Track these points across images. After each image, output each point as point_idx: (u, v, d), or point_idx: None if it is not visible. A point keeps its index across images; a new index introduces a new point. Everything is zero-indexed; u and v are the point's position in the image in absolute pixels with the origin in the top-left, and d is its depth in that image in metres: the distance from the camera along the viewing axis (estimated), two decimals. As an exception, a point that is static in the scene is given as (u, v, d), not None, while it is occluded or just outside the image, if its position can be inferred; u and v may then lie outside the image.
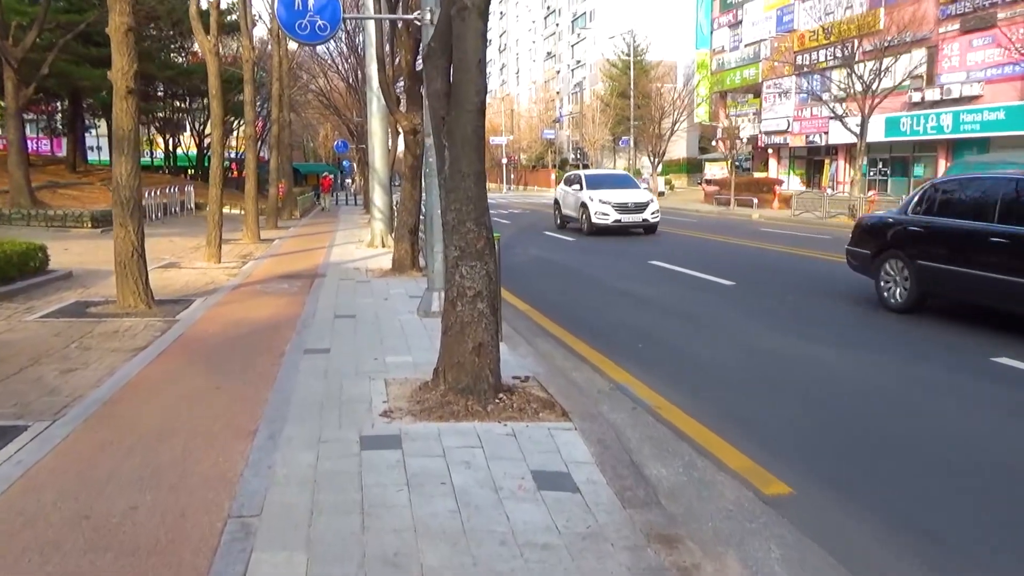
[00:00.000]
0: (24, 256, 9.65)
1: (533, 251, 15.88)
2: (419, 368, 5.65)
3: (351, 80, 29.32)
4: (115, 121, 7.87)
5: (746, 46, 48.14)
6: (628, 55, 57.31)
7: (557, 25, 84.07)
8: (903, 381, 5.99)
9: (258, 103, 34.62)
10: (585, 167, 64.47)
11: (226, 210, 27.04)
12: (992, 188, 7.76)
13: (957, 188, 8.44)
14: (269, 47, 28.18)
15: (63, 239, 15.85)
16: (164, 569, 2.80)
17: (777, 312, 8.87)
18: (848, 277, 10.17)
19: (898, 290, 8.56)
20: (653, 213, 19.08)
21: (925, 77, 32.75)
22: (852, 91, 27.95)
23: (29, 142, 46.57)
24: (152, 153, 52.41)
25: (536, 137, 74.04)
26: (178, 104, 42.54)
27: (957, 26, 31.93)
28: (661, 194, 47.40)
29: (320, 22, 7.28)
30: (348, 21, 24.41)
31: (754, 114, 46.32)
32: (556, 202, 22.47)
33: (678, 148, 59.13)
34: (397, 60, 13.38)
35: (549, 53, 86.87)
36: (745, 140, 42.73)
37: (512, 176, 76.68)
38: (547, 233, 20.52)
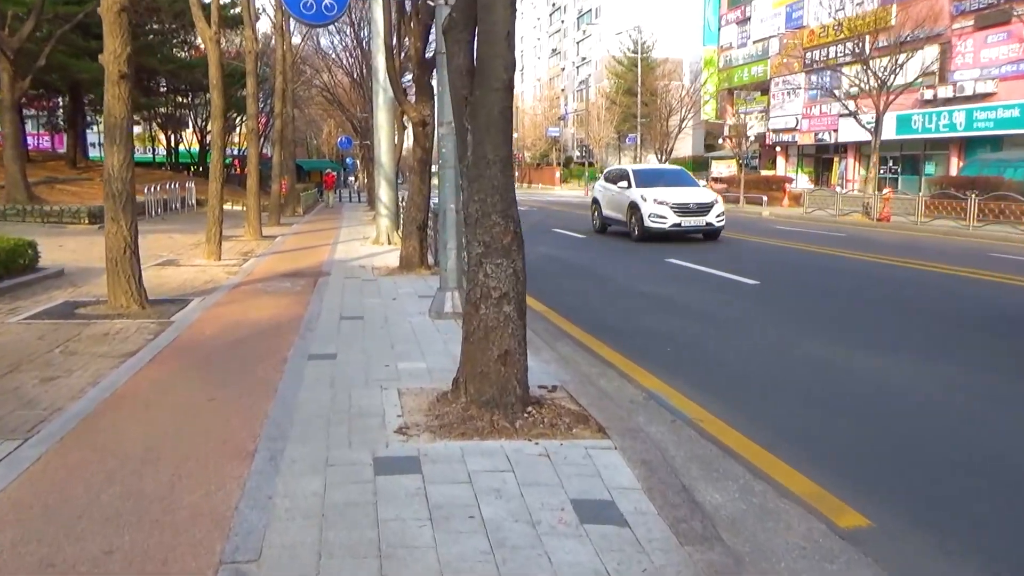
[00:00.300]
0: (12, 253, 9.15)
1: (542, 249, 15.35)
2: (434, 376, 5.14)
3: (355, 75, 28.85)
4: (107, 108, 7.36)
5: (754, 43, 47.56)
6: (634, 52, 56.77)
7: (562, 22, 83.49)
8: (977, 394, 5.47)
9: (261, 98, 34.23)
10: (590, 165, 63.98)
11: (228, 206, 26.59)
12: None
13: None
14: (273, 42, 27.68)
15: (58, 235, 15.37)
16: (140, 633, 2.29)
17: (810, 313, 8.34)
18: (878, 273, 9.67)
19: None
20: (718, 216, 16.04)
21: (938, 74, 32.17)
22: (868, 87, 27.34)
23: (30, 138, 46.25)
24: (154, 149, 51.95)
25: (541, 135, 73.49)
26: (180, 99, 42.03)
27: (971, 22, 31.36)
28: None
29: (327, 0, 6.78)
30: (354, 7, 23.94)
31: (761, 111, 45.73)
32: (594, 202, 19.36)
33: (684, 146, 58.49)
34: (405, 50, 12.87)
35: (554, 50, 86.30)
36: (752, 138, 42.17)
37: (516, 174, 76.11)
38: (556, 230, 20.00)
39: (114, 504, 3.14)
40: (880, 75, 26.70)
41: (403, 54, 12.80)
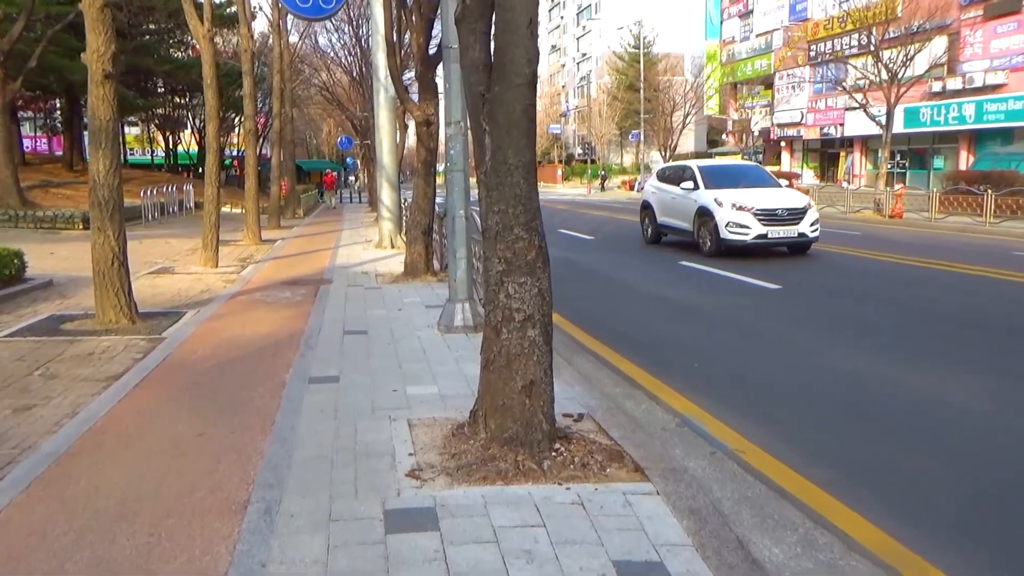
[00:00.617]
0: (-4, 263, 8.70)
1: (550, 251, 14.87)
2: (447, 403, 4.67)
3: (355, 74, 28.36)
4: (91, 110, 6.90)
5: (757, 36, 47.02)
6: (635, 47, 56.24)
7: (562, 18, 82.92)
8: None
9: (259, 98, 33.74)
10: (592, 162, 63.42)
11: (227, 209, 26.16)
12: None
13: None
14: (270, 41, 27.19)
15: (51, 241, 14.91)
16: None
17: (841, 321, 7.86)
18: (903, 276, 9.21)
19: None
20: (812, 225, 12.95)
21: (946, 65, 31.65)
22: (879, 80, 26.80)
23: (28, 140, 45.83)
24: (152, 151, 51.48)
25: (542, 132, 72.93)
26: (178, 100, 41.57)
27: (980, 12, 30.85)
28: (672, 189, 46.37)
29: (324, -8, 6.29)
30: (352, 3, 23.43)
31: (765, 106, 45.22)
32: (645, 207, 16.02)
33: (687, 141, 57.98)
34: (406, 46, 12.39)
35: (554, 46, 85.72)
36: (757, 133, 41.68)
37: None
38: (561, 231, 19.49)
39: (80, 579, 2.67)
40: (891, 67, 26.16)
41: (404, 50, 12.33)
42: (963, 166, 31.70)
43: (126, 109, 35.69)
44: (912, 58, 26.52)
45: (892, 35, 28.11)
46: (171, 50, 36.28)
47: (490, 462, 3.59)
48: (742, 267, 11.60)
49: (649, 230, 15.88)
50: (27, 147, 43.35)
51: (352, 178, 59.01)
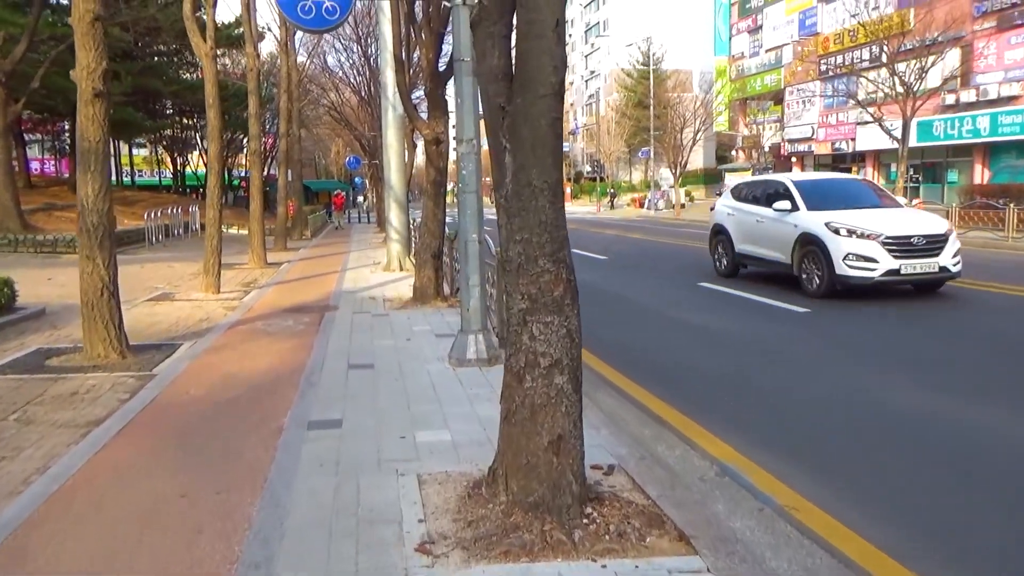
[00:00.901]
0: (-15, 293, 8.29)
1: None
2: (461, 452, 4.18)
3: (363, 93, 28.13)
4: (79, 131, 6.49)
5: (767, 51, 46.75)
6: (644, 64, 56.03)
7: (570, 36, 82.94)
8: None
9: (266, 117, 33.56)
10: (602, 180, 63.10)
11: (234, 231, 25.85)
12: None
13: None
14: (279, 61, 26.99)
15: (51, 266, 14.55)
16: None
17: (882, 348, 7.32)
18: (937, 296, 8.68)
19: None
20: (955, 256, 10.13)
21: (959, 78, 31.19)
22: (895, 93, 26.36)
23: (35, 163, 45.84)
24: (160, 172, 51.47)
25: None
26: (186, 121, 41.50)
27: (994, 23, 30.44)
28: (683, 206, 45.92)
29: (328, 3, 5.91)
30: (361, 22, 23.14)
31: (775, 121, 44.80)
32: (718, 232, 13.12)
33: (695, 158, 57.55)
34: (415, 64, 12.05)
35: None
36: (767, 148, 41.24)
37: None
38: (573, 251, 19.00)
39: None
40: (906, 80, 25.72)
41: (413, 68, 11.96)
42: (978, 179, 31.13)
43: (134, 131, 35.60)
44: (927, 71, 26.09)
45: (906, 47, 27.70)
46: (179, 71, 36.19)
47: (512, 533, 3.09)
48: (764, 288, 11.09)
49: (723, 260, 12.90)
50: (35, 169, 43.34)
51: (360, 198, 58.85)
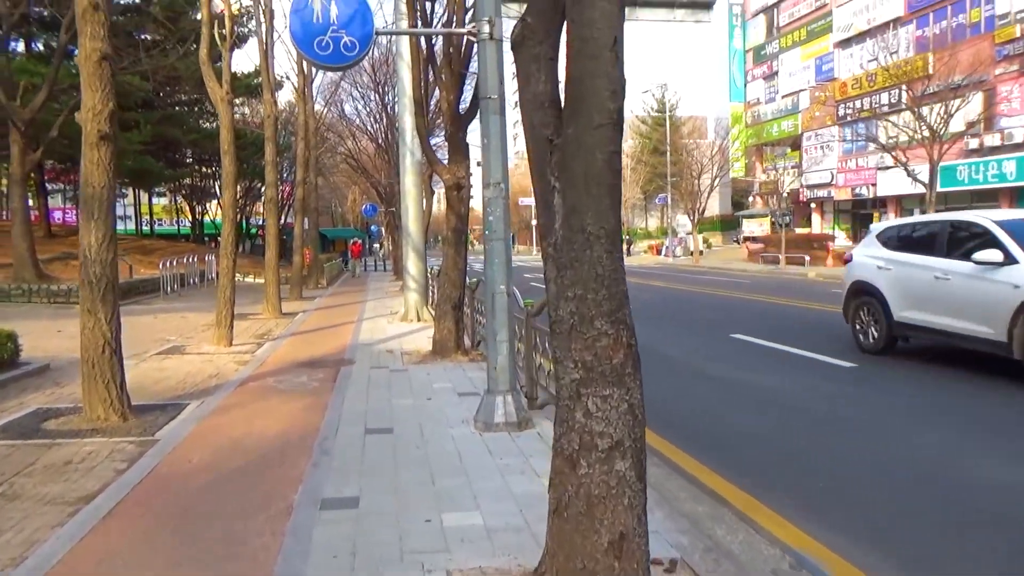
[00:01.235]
0: (-14, 348, 7.87)
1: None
2: (496, 540, 3.62)
3: (380, 140, 28.08)
4: (83, 176, 6.11)
5: (783, 97, 46.71)
6: (660, 111, 56.12)
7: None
8: None
9: (283, 165, 33.59)
10: (618, 225, 62.64)
11: (250, 279, 25.56)
12: None
13: None
14: (296, 109, 27.04)
15: (64, 317, 14.18)
16: None
17: (947, 409, 6.72)
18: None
19: None
20: None
21: (983, 122, 30.82)
22: (920, 137, 25.97)
23: (57, 212, 46.18)
24: (179, 221, 51.70)
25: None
26: (205, 170, 41.71)
27: (1016, 67, 30.18)
28: (701, 253, 45.41)
29: (346, 39, 5.54)
30: (379, 68, 23.08)
31: (793, 167, 44.44)
32: (864, 292, 9.84)
33: (712, 204, 57.24)
34: (433, 109, 11.75)
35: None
36: (785, 194, 40.81)
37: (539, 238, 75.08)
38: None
39: None
40: (933, 124, 25.37)
41: (431, 112, 11.66)
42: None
43: (154, 180, 35.73)
44: (953, 114, 25.74)
45: (930, 91, 27.41)
46: (199, 120, 36.47)
47: (568, 656, 2.53)
48: (802, 340, 10.51)
49: (873, 330, 9.56)
50: (57, 219, 43.58)
51: (376, 245, 58.85)
